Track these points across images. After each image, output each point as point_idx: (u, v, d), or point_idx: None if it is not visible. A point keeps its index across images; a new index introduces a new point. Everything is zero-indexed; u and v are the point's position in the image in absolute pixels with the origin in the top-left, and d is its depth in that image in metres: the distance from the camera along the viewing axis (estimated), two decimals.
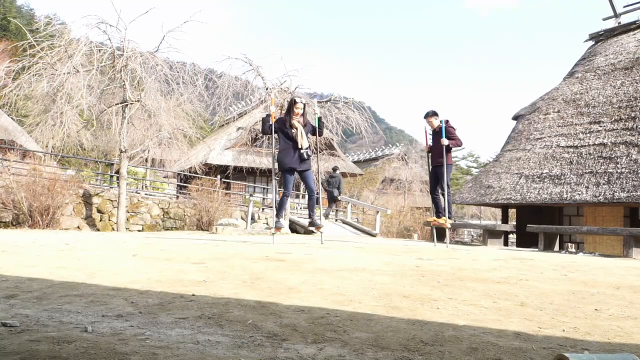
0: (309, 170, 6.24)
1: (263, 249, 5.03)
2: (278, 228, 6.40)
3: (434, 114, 7.15)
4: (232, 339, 1.74)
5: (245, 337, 1.78)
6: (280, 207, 6.48)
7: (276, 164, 6.38)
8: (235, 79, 13.16)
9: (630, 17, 14.32)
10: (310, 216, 6.59)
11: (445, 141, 6.85)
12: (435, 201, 7.32)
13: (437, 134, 7.09)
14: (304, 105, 6.32)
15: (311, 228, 6.73)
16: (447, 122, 7.07)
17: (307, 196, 6.53)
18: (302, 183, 6.53)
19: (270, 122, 6.28)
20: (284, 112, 12.90)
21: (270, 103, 6.30)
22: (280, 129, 6.21)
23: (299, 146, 6.10)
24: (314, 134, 6.43)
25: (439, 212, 7.27)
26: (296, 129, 6.10)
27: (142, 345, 1.60)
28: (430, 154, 7.31)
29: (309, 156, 6.16)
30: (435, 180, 7.22)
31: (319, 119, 6.48)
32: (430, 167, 7.31)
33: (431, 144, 7.27)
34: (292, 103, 6.22)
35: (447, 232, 7.51)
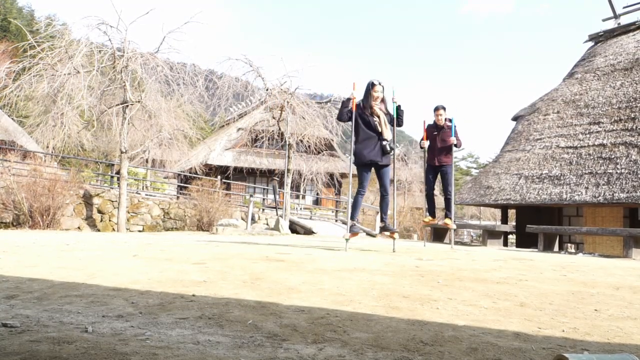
0: (388, 166, 5.45)
1: (263, 250, 5.03)
2: (354, 233, 5.54)
3: (444, 108, 6.76)
4: (232, 339, 1.75)
5: (245, 337, 1.79)
6: (355, 208, 5.50)
7: (353, 157, 5.52)
8: (236, 80, 13.18)
9: (629, 17, 14.35)
10: (382, 219, 5.64)
11: (454, 140, 6.57)
12: (431, 200, 7.04)
13: (440, 130, 6.75)
14: (383, 88, 5.46)
15: (385, 233, 5.74)
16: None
17: (380, 196, 5.62)
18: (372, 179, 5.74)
19: (350, 107, 5.43)
20: (284, 113, 12.97)
21: (352, 95, 5.51)
22: (360, 115, 5.37)
23: (382, 137, 5.32)
24: (391, 124, 5.57)
25: (433, 212, 7.03)
26: (378, 116, 5.34)
27: (143, 346, 1.61)
28: (428, 151, 6.93)
29: (391, 149, 5.38)
30: (434, 179, 6.93)
31: (398, 107, 5.61)
32: (427, 165, 6.94)
33: (429, 141, 6.90)
34: (370, 86, 5.38)
35: (452, 233, 7.36)
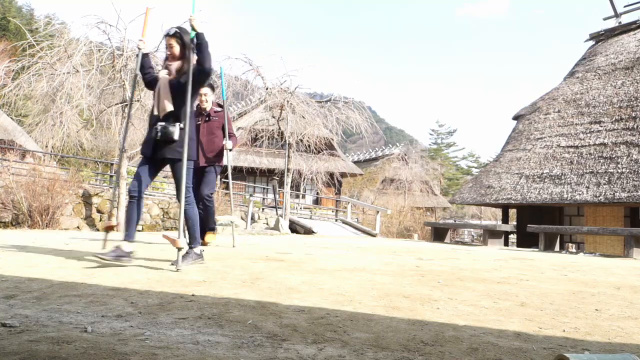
0: (179, 162, 3.40)
1: (263, 249, 5.03)
2: (118, 256, 3.34)
3: (212, 87, 5.10)
4: (232, 339, 1.74)
5: (245, 337, 1.78)
6: (129, 220, 3.52)
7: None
8: (235, 79, 13.15)
9: (630, 17, 14.35)
10: (189, 244, 3.74)
11: (229, 144, 5.00)
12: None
13: (209, 118, 5.07)
14: (181, 35, 3.46)
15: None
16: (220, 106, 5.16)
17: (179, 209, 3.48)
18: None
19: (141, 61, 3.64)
20: (284, 112, 13.00)
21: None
22: (152, 81, 3.60)
23: (158, 113, 3.43)
24: (198, 81, 3.46)
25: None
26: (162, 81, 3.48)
27: (142, 346, 1.60)
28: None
29: (182, 130, 3.35)
30: (197, 182, 4.76)
31: (198, 36, 3.43)
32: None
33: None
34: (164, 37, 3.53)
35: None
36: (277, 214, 13.65)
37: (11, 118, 21.30)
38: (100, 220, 11.63)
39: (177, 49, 3.51)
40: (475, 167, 43.35)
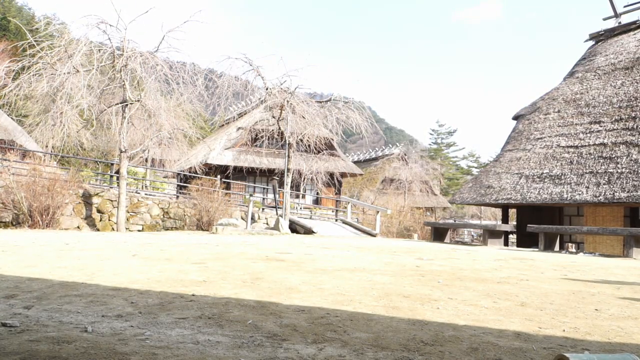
0: None
1: (263, 249, 5.03)
2: None
3: None
4: (232, 339, 1.74)
5: (245, 337, 1.78)
6: None
7: None
8: (235, 79, 13.14)
9: (630, 17, 14.35)
10: None
11: None
12: None
13: None
14: None
15: None
16: None
17: None
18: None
19: None
20: (284, 112, 12.98)
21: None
22: None
23: None
24: None
25: None
26: None
27: (142, 346, 1.60)
28: None
29: None
30: None
31: None
32: None
33: None
34: None
35: None
36: (277, 214, 13.66)
37: (11, 118, 21.29)
38: (101, 220, 11.63)
39: None
40: (475, 167, 43.34)
